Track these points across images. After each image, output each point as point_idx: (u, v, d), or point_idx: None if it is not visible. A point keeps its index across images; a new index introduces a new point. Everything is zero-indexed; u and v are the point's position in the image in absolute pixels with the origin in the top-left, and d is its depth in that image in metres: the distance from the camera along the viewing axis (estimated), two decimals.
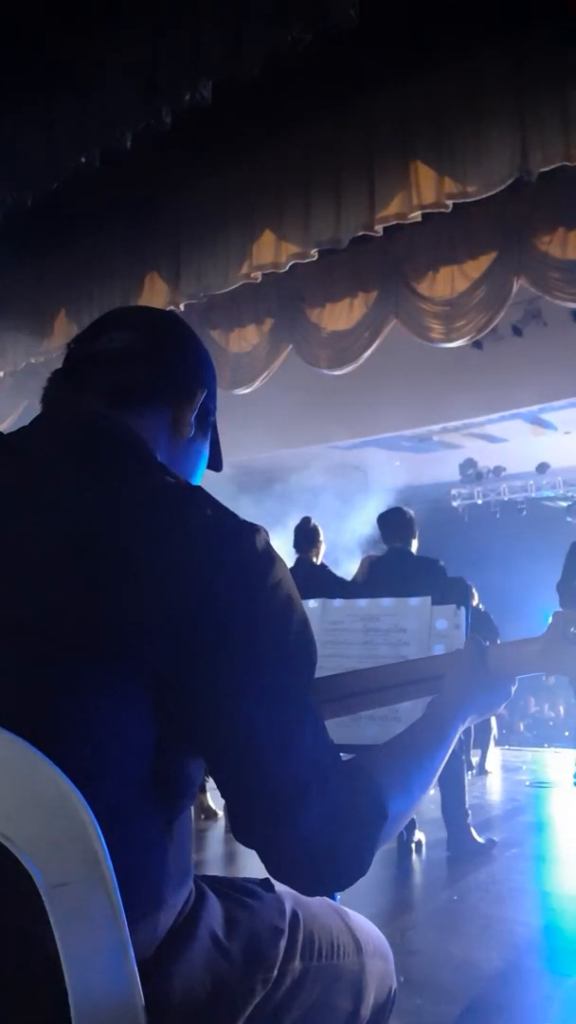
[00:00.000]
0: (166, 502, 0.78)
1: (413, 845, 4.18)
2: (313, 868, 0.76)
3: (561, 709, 10.41)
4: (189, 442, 0.97)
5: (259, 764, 0.73)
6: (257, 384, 6.12)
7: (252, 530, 0.77)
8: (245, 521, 0.78)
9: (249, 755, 0.73)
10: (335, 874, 0.77)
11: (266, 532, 0.79)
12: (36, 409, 0.92)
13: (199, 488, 0.82)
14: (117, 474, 0.81)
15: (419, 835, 4.24)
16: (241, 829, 0.76)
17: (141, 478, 0.81)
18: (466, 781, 4.29)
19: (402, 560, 4.21)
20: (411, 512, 4.52)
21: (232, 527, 0.77)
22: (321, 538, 4.65)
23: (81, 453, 0.83)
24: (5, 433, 0.88)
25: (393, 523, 4.36)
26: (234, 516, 0.79)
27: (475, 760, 6.91)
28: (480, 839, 4.14)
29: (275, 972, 0.87)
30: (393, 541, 4.32)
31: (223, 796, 0.77)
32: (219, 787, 0.76)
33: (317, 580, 4.36)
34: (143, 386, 0.92)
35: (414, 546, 4.36)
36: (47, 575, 0.74)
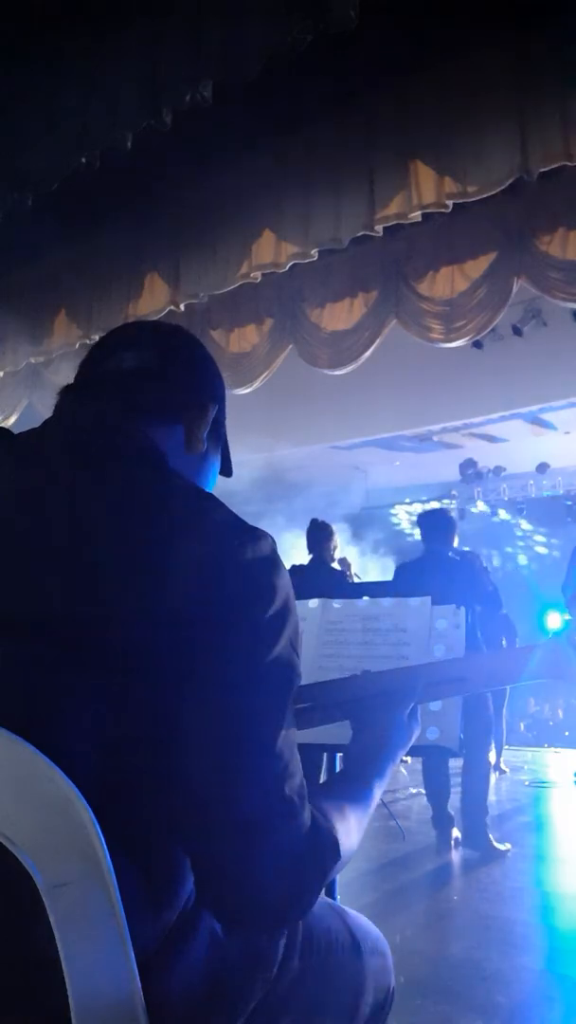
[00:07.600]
0: (176, 506, 0.79)
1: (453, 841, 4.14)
2: (273, 895, 0.73)
3: (560, 710, 10.39)
4: (202, 456, 0.97)
5: (239, 758, 0.73)
6: (257, 384, 6.12)
7: (259, 536, 0.78)
8: (252, 527, 0.79)
9: (228, 754, 0.72)
10: (291, 906, 0.76)
11: (272, 539, 0.80)
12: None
13: (210, 495, 0.83)
14: (130, 478, 0.82)
15: (455, 832, 4.19)
16: (205, 838, 0.73)
17: (153, 483, 0.82)
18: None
19: (435, 564, 4.16)
20: (452, 512, 4.49)
21: (239, 532, 0.78)
22: (335, 541, 4.63)
23: (95, 456, 0.83)
24: (17, 433, 0.88)
25: (432, 525, 4.33)
26: (242, 522, 0.80)
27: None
28: (499, 845, 4.01)
29: (274, 971, 0.88)
30: (432, 543, 4.29)
31: (187, 805, 0.72)
32: (187, 795, 0.72)
33: (330, 582, 4.30)
34: (156, 405, 0.92)
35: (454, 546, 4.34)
36: (53, 575, 0.74)
